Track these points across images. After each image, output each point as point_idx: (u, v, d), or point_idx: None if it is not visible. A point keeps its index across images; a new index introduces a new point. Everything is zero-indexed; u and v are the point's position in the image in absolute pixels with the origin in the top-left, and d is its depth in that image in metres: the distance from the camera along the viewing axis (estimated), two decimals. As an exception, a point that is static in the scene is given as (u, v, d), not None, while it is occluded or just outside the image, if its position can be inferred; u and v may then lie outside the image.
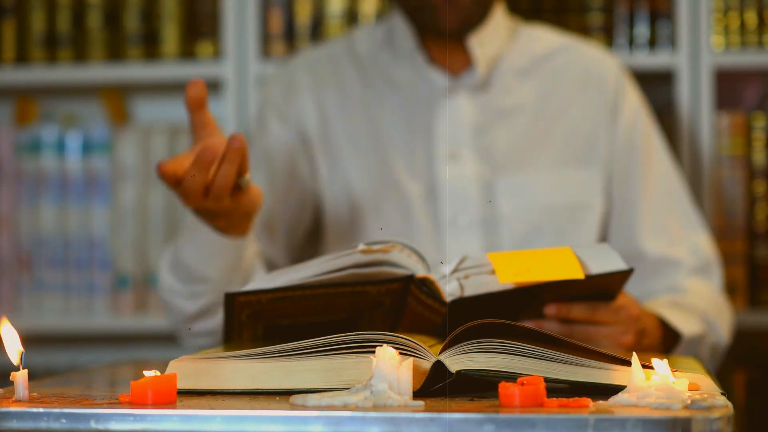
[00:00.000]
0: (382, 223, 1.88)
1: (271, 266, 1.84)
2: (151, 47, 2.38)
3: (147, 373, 1.09)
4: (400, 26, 1.93)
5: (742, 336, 2.15)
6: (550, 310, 1.45)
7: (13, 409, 1.06)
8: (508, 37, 1.96)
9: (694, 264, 1.88)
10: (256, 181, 1.78)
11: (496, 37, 1.93)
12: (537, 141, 1.92)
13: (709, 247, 1.91)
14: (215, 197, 1.47)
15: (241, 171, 1.47)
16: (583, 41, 2.06)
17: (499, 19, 1.94)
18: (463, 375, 1.13)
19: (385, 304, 1.37)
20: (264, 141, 1.95)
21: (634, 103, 1.96)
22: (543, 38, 2.00)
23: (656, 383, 1.06)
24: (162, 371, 1.12)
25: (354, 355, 1.14)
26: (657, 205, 1.91)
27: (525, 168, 1.90)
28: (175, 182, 1.46)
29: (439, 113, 1.91)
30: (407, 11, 1.90)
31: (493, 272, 1.36)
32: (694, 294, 1.83)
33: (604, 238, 1.91)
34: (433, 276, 1.36)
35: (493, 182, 1.89)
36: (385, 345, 1.09)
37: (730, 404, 1.06)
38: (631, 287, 1.53)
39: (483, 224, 1.88)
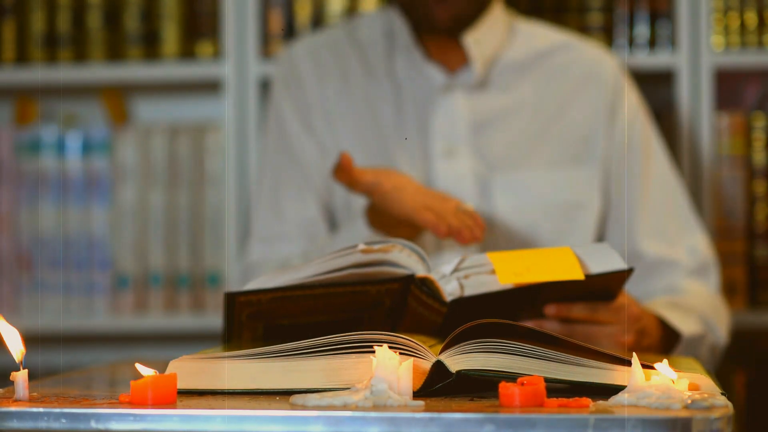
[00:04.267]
0: None
1: None
2: (151, 47, 2.38)
3: (143, 370, 1.09)
4: (397, 20, 1.93)
5: (742, 336, 2.14)
6: (550, 310, 1.45)
7: (13, 409, 1.06)
8: (506, 33, 1.94)
9: (692, 265, 1.88)
10: (297, 192, 1.89)
11: (494, 35, 1.91)
12: (534, 139, 1.91)
13: (706, 249, 1.91)
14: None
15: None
16: (582, 39, 2.05)
17: (497, 16, 1.92)
18: (463, 375, 1.13)
19: (385, 304, 1.36)
20: (295, 154, 1.93)
21: (633, 103, 1.95)
22: (542, 34, 1.99)
23: (656, 383, 1.06)
24: (162, 371, 1.12)
25: (354, 355, 1.14)
26: (655, 206, 1.91)
27: (522, 166, 1.89)
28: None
29: (436, 110, 1.90)
30: (401, 6, 1.89)
31: (493, 272, 1.36)
32: (692, 295, 1.83)
33: (600, 237, 1.90)
34: (433, 276, 1.36)
35: (490, 180, 1.88)
36: (385, 345, 1.09)
37: (730, 404, 1.06)
38: (628, 287, 1.53)
39: None
